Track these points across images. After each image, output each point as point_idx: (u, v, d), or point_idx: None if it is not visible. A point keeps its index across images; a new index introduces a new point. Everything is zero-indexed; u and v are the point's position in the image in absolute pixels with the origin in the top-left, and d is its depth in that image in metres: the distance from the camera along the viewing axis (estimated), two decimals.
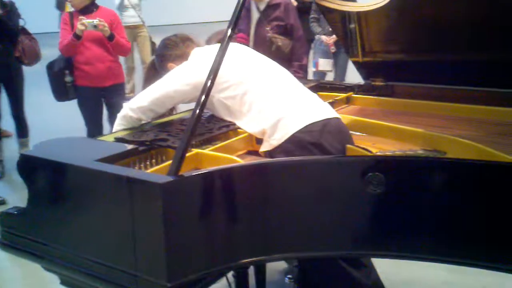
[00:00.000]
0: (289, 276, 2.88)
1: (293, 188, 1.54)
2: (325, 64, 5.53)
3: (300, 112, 1.93)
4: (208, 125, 2.09)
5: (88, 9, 4.02)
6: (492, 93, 2.40)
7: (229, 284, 2.13)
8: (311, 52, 5.78)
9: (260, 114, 1.95)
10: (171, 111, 2.32)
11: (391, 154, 1.93)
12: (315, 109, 1.98)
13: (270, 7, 3.80)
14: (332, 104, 2.61)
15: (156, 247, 1.43)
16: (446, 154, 1.90)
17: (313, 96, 2.10)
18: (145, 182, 1.42)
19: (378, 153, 1.96)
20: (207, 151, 1.84)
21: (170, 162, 1.59)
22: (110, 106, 4.21)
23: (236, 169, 1.52)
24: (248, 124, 1.99)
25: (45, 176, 1.69)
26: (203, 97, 1.55)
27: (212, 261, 1.51)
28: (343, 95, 2.75)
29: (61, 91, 4.11)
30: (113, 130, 2.07)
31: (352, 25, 2.73)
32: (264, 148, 1.94)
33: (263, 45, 3.75)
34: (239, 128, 2.04)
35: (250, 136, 2.02)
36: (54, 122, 5.99)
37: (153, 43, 5.95)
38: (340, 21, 2.78)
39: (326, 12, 2.81)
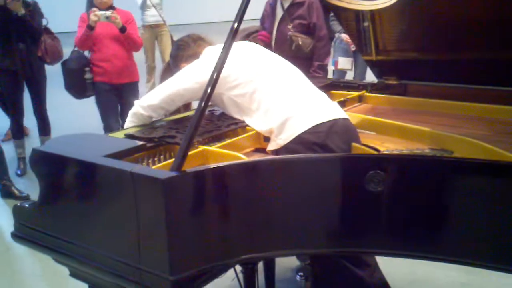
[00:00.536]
0: (300, 274, 2.91)
1: (289, 185, 1.55)
2: (344, 62, 5.46)
3: (308, 113, 1.94)
4: (218, 122, 2.12)
5: (107, 9, 4.26)
6: (504, 92, 2.37)
7: (238, 280, 2.16)
8: (331, 51, 5.75)
9: (268, 113, 1.96)
10: (187, 107, 2.36)
11: (387, 153, 1.93)
12: (323, 109, 1.99)
13: (294, 5, 3.77)
14: (345, 102, 2.62)
15: (159, 241, 1.46)
16: (454, 153, 1.90)
17: (322, 96, 2.10)
18: (147, 177, 1.45)
19: (385, 152, 1.96)
20: (214, 148, 1.87)
21: None
22: (124, 103, 4.42)
23: (236, 165, 1.54)
24: (257, 122, 2.01)
25: (55, 170, 1.74)
26: (206, 95, 1.56)
27: (214, 255, 1.53)
28: (355, 93, 2.75)
29: (80, 89, 4.32)
30: (124, 127, 2.12)
31: (366, 24, 2.72)
32: (271, 147, 1.96)
33: (284, 44, 3.75)
34: (248, 125, 2.06)
35: (258, 134, 2.04)
36: (74, 120, 6.11)
37: (174, 42, 6.01)
38: (354, 20, 2.78)
39: (340, 10, 2.81)
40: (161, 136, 1.91)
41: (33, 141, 5.20)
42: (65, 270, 1.85)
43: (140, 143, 1.83)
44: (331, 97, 2.59)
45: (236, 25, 1.64)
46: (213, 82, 1.58)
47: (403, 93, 2.75)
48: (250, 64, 2.08)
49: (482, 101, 2.40)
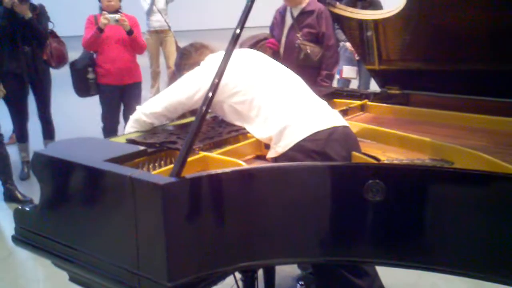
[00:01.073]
0: (301, 282, 2.90)
1: (286, 193, 1.56)
2: (349, 71, 5.47)
3: (307, 120, 1.94)
4: (219, 129, 2.13)
5: (114, 13, 4.40)
6: (506, 104, 2.37)
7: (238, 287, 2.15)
8: None
9: (267, 120, 1.97)
10: (193, 112, 2.36)
11: (387, 162, 1.93)
12: (322, 117, 1.99)
13: (304, 13, 3.76)
14: (347, 111, 2.63)
15: (157, 247, 1.46)
16: (454, 164, 1.90)
17: (322, 103, 2.10)
18: (146, 182, 1.46)
19: (386, 161, 1.96)
20: (214, 154, 1.88)
21: None
22: (127, 103, 4.61)
23: (232, 173, 1.54)
24: (257, 129, 2.02)
25: (55, 174, 1.74)
26: (206, 102, 1.57)
27: (212, 262, 1.53)
28: (358, 102, 2.75)
29: (83, 87, 4.49)
30: (126, 132, 2.13)
31: (369, 33, 2.73)
32: (270, 154, 1.96)
33: (293, 52, 3.75)
34: (248, 133, 2.07)
35: (259, 141, 2.04)
36: (78, 124, 6.13)
37: (179, 48, 6.05)
38: (357, 29, 2.78)
39: (344, 20, 2.81)
40: (162, 142, 1.92)
41: (36, 145, 5.21)
42: (67, 275, 1.85)
43: (141, 148, 1.84)
44: (334, 105, 2.60)
45: (238, 31, 1.65)
46: (214, 88, 1.59)
47: (406, 103, 2.75)
48: (249, 72, 2.09)
49: (484, 112, 2.41)
